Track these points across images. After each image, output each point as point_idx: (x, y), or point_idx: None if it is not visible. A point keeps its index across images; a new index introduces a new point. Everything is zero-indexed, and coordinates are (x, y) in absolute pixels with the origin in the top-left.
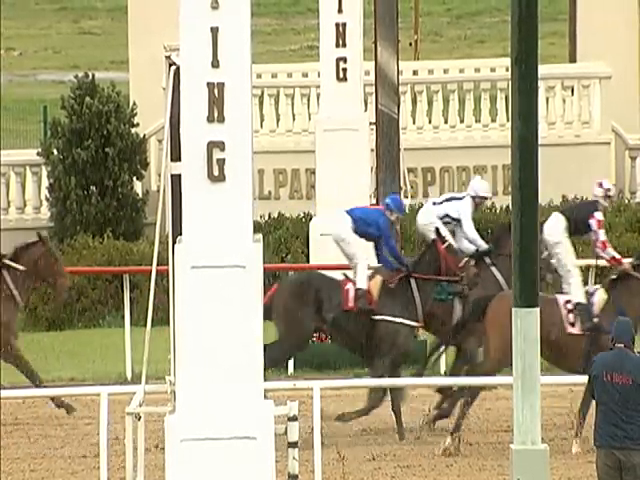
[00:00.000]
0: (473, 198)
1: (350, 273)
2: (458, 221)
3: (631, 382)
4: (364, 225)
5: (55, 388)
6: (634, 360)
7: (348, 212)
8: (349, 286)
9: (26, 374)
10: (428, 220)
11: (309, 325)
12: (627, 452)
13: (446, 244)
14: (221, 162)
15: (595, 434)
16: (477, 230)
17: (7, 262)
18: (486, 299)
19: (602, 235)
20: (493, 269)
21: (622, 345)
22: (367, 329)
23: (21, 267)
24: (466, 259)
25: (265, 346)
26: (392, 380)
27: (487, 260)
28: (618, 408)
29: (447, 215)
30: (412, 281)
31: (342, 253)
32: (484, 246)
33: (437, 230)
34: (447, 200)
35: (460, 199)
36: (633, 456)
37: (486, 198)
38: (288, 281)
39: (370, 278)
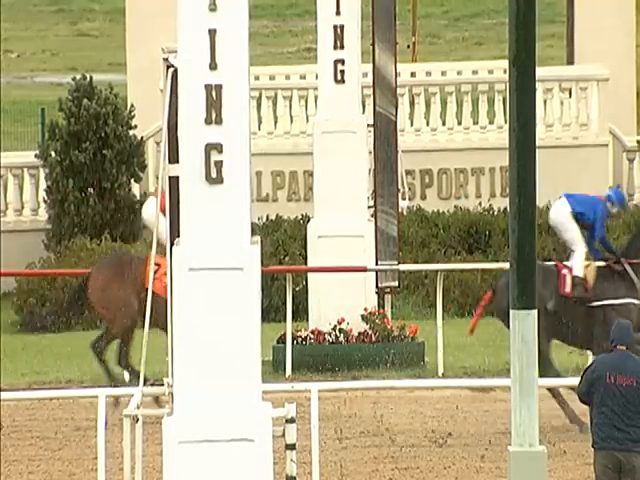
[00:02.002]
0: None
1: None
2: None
3: (635, 383)
4: (582, 211)
5: (53, 390)
6: (637, 362)
7: (567, 197)
8: (565, 272)
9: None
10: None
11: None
12: (627, 454)
13: None
14: (219, 164)
15: (595, 436)
16: (475, 231)
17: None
18: None
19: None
20: None
21: (624, 347)
22: (584, 317)
23: None
24: None
25: None
26: (392, 382)
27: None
28: (621, 410)
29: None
30: (627, 266)
31: (560, 238)
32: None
33: None
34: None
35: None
36: (633, 458)
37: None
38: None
39: (585, 267)
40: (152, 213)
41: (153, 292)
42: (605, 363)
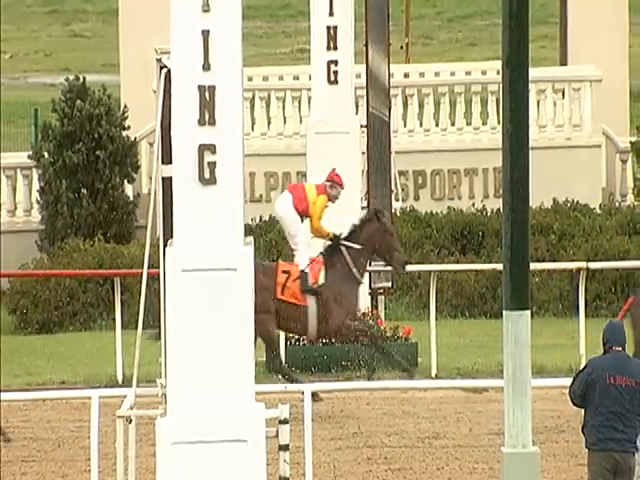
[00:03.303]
0: None
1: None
2: None
3: (634, 384)
4: None
5: (46, 391)
6: (635, 362)
7: None
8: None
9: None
10: None
11: None
12: (625, 455)
13: None
14: (212, 165)
15: (592, 437)
16: (468, 232)
17: (344, 242)
18: None
19: None
20: None
21: (620, 348)
22: None
23: (358, 245)
24: None
25: None
26: (385, 383)
27: None
28: (619, 410)
29: None
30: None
31: None
32: None
33: None
34: None
35: None
36: (630, 459)
37: None
38: None
39: None
40: (286, 208)
41: (284, 300)
42: (603, 364)
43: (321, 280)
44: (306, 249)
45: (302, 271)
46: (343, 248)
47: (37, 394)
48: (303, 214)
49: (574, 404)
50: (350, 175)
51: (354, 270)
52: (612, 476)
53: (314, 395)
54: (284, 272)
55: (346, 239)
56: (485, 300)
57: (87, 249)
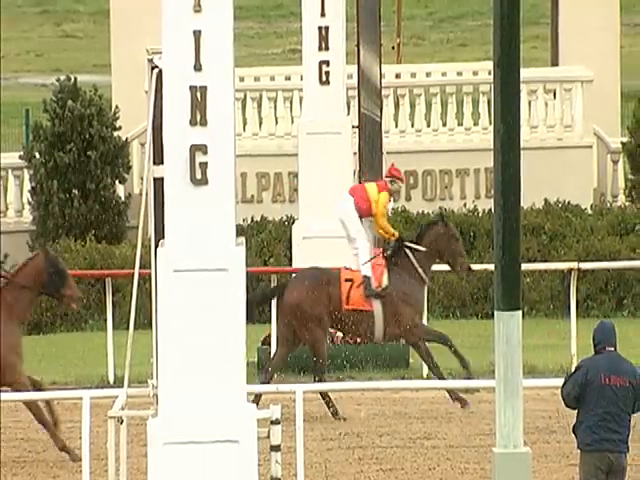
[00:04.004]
0: None
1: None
2: None
3: (628, 384)
4: None
5: (37, 392)
6: (627, 362)
7: None
8: None
9: (421, 355)
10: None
11: None
12: (619, 455)
13: None
14: (204, 165)
15: (587, 438)
16: (460, 233)
17: (409, 244)
18: None
19: None
20: None
21: (612, 348)
22: None
23: (422, 248)
24: None
25: None
26: (377, 383)
27: None
28: (614, 411)
29: None
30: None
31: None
32: None
33: None
34: None
35: None
36: (623, 459)
37: None
38: None
39: None
40: (348, 211)
41: (350, 309)
42: (598, 365)
43: (385, 283)
44: (367, 253)
45: (365, 276)
46: (407, 250)
47: (28, 395)
48: (366, 214)
49: (567, 405)
50: (341, 176)
51: (420, 270)
52: (605, 476)
53: (324, 396)
54: (347, 280)
55: (411, 241)
56: (476, 300)
57: (78, 249)
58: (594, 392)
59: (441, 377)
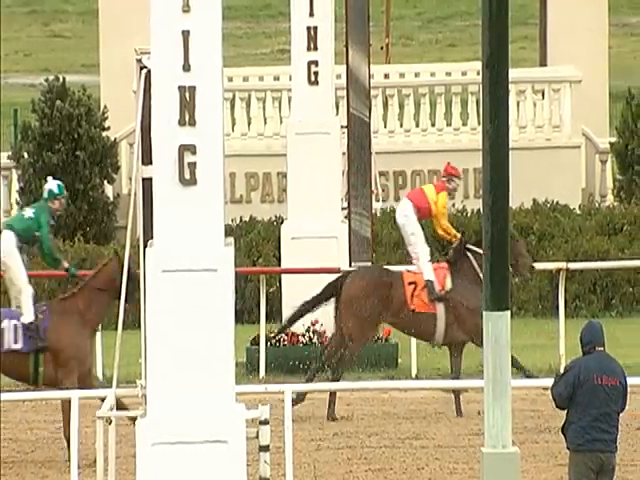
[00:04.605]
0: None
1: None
2: None
3: (618, 384)
4: None
5: (25, 392)
6: (617, 362)
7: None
8: None
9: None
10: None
11: None
12: (610, 455)
13: None
14: (192, 166)
15: (579, 438)
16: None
17: (470, 246)
18: None
19: None
20: None
21: (602, 348)
22: None
23: (482, 251)
24: None
25: None
26: (366, 383)
27: None
28: (607, 410)
29: None
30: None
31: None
32: None
33: None
34: None
35: None
36: (613, 459)
37: None
38: None
39: None
40: (407, 215)
41: (413, 310)
42: (589, 365)
43: (448, 286)
44: (427, 256)
45: (428, 280)
46: (469, 252)
47: (16, 395)
48: (426, 216)
49: (558, 406)
50: (330, 176)
51: (481, 274)
52: (595, 476)
53: (332, 395)
54: (410, 283)
55: (472, 243)
56: None
57: (67, 250)
58: (587, 392)
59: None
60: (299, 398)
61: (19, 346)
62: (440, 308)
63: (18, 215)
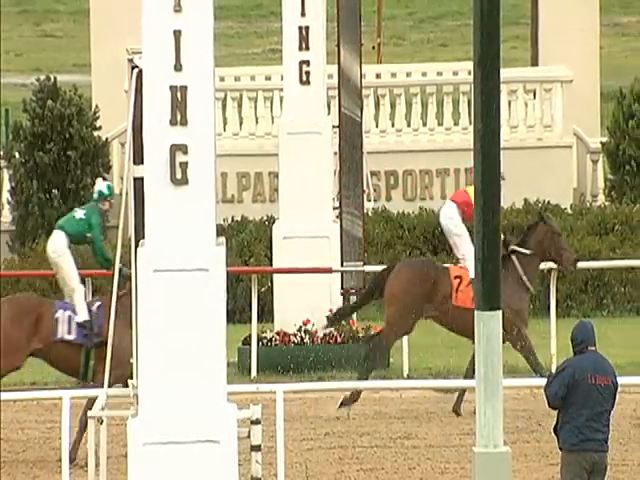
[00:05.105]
0: None
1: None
2: None
3: (610, 383)
4: None
5: (17, 392)
6: (607, 361)
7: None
8: None
9: (531, 364)
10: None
11: None
12: (603, 454)
13: None
14: (184, 165)
15: (574, 438)
16: (440, 233)
17: (514, 248)
18: None
19: None
20: None
21: (594, 348)
22: None
23: (528, 251)
24: None
25: None
26: (358, 383)
27: None
28: (600, 410)
29: None
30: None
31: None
32: None
33: None
34: None
35: None
36: (605, 458)
37: None
38: None
39: None
40: (451, 216)
41: (460, 306)
42: (584, 365)
43: None
44: (473, 256)
45: (473, 279)
46: (513, 255)
47: (7, 395)
48: (469, 218)
49: (552, 405)
50: (322, 176)
51: (524, 278)
52: (587, 475)
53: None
54: (456, 277)
55: (517, 245)
56: None
57: None
58: (581, 392)
59: (542, 375)
60: (353, 397)
61: (72, 337)
62: None
63: (69, 216)
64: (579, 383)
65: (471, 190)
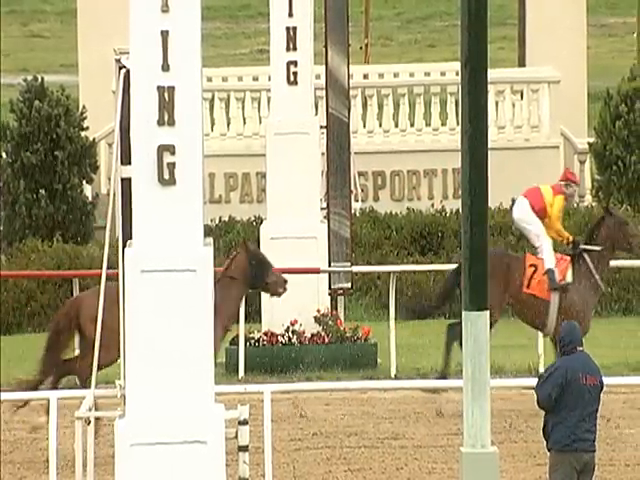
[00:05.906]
0: None
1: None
2: None
3: (598, 383)
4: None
5: (4, 392)
6: (594, 361)
7: None
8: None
9: None
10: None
11: None
12: (592, 454)
13: None
14: (171, 166)
15: (565, 438)
16: (428, 233)
17: (585, 247)
18: None
19: None
20: None
21: (582, 348)
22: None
23: (598, 248)
24: None
25: None
26: (345, 383)
27: None
28: (590, 410)
29: None
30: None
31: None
32: None
33: None
34: None
35: None
36: (594, 458)
37: None
38: None
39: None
40: (525, 212)
41: (532, 294)
42: (574, 365)
43: (568, 278)
44: (550, 247)
45: (549, 269)
46: (585, 254)
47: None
48: (540, 216)
49: (542, 406)
50: (309, 176)
51: (597, 277)
52: (576, 476)
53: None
54: (531, 265)
55: (586, 243)
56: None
57: (45, 250)
58: (573, 393)
59: None
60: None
61: None
62: (555, 298)
63: None
64: (571, 383)
65: (545, 190)
